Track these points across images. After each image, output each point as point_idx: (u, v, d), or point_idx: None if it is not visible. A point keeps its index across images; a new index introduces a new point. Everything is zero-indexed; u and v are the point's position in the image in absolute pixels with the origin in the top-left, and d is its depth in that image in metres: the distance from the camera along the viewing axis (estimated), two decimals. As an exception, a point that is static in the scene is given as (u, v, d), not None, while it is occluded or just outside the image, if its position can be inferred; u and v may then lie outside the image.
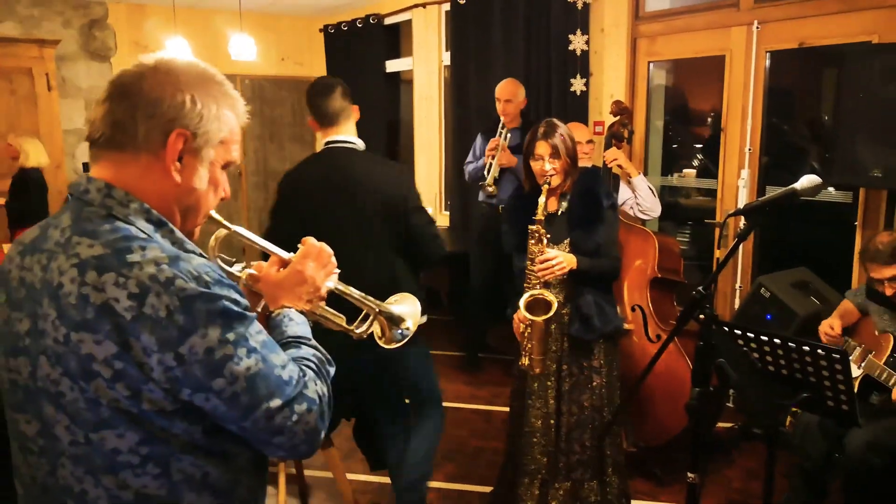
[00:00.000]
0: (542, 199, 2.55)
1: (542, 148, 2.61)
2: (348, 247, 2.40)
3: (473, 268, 4.70)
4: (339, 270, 1.41)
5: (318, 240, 1.37)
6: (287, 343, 1.21)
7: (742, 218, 2.00)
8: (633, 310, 3.41)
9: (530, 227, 2.55)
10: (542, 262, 2.52)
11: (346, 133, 2.56)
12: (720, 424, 3.71)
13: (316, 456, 1.48)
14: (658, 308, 3.43)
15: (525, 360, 2.62)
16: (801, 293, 3.37)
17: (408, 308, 1.66)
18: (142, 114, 1.05)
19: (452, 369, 4.76)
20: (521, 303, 2.52)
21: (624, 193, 3.72)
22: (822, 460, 2.75)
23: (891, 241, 2.62)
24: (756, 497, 3.12)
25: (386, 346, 1.64)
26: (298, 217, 2.48)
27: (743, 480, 3.30)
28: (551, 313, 2.49)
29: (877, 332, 2.81)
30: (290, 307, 1.31)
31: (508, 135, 4.30)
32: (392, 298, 1.65)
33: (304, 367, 1.13)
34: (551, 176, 2.59)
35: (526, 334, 2.57)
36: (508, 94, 4.31)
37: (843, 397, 2.23)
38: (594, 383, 2.69)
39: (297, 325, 1.28)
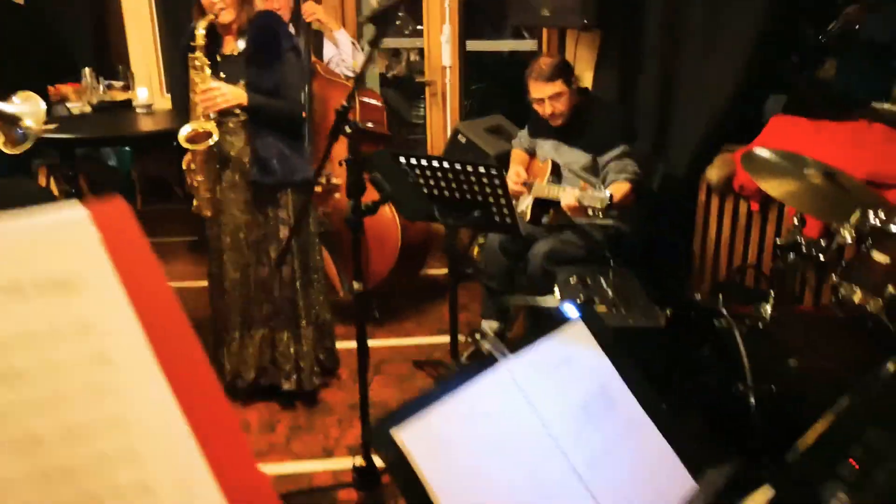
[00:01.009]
0: (198, 24, 2.44)
1: None
2: None
3: None
4: None
5: None
6: None
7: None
8: (340, 164, 3.40)
9: (190, 54, 2.43)
10: (203, 93, 2.42)
11: None
12: (436, 271, 3.96)
13: None
14: (365, 161, 3.45)
15: (195, 202, 2.57)
16: (493, 137, 3.59)
17: (26, 107, 1.54)
18: None
19: (184, 253, 4.53)
20: (182, 136, 2.42)
21: (328, 50, 3.63)
22: (505, 278, 3.01)
23: (552, 62, 2.81)
24: (462, 325, 3.36)
25: (10, 151, 1.49)
26: None
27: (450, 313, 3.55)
28: (211, 142, 2.43)
29: (540, 163, 3.07)
30: None
31: None
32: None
33: None
34: (221, 9, 2.46)
35: (192, 168, 2.49)
36: None
37: (505, 211, 2.42)
38: (282, 235, 2.65)
39: None
